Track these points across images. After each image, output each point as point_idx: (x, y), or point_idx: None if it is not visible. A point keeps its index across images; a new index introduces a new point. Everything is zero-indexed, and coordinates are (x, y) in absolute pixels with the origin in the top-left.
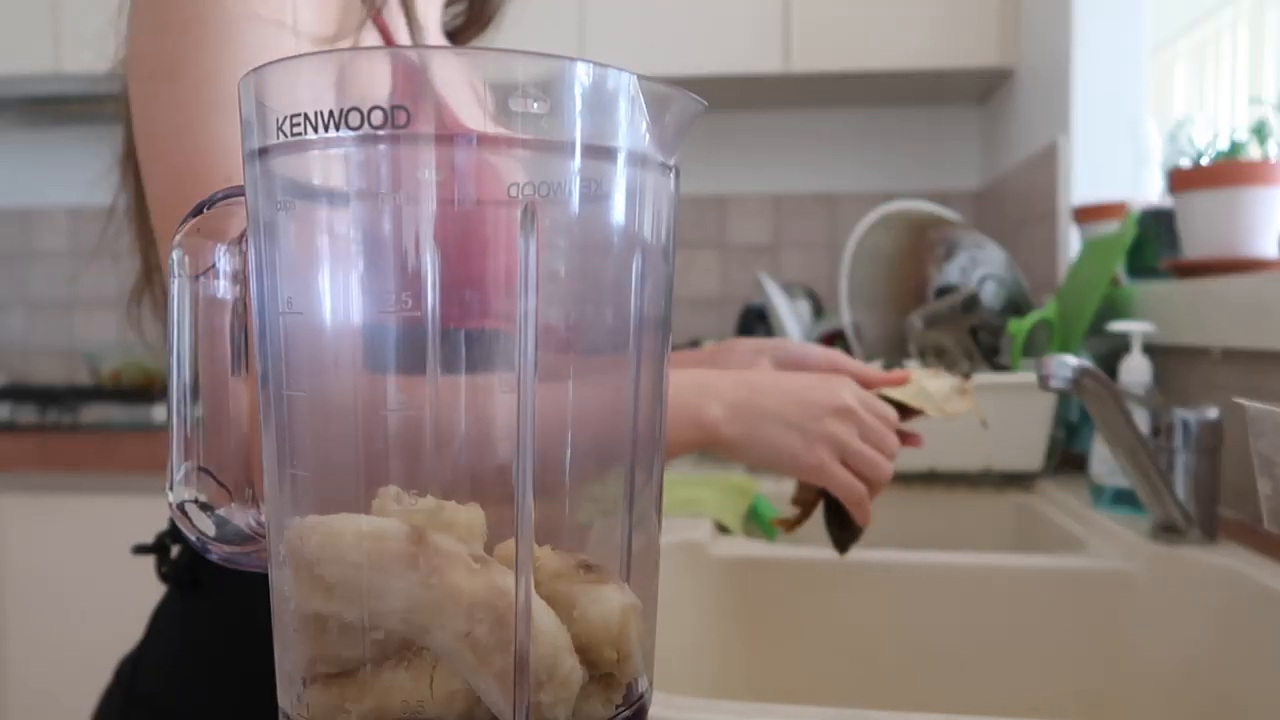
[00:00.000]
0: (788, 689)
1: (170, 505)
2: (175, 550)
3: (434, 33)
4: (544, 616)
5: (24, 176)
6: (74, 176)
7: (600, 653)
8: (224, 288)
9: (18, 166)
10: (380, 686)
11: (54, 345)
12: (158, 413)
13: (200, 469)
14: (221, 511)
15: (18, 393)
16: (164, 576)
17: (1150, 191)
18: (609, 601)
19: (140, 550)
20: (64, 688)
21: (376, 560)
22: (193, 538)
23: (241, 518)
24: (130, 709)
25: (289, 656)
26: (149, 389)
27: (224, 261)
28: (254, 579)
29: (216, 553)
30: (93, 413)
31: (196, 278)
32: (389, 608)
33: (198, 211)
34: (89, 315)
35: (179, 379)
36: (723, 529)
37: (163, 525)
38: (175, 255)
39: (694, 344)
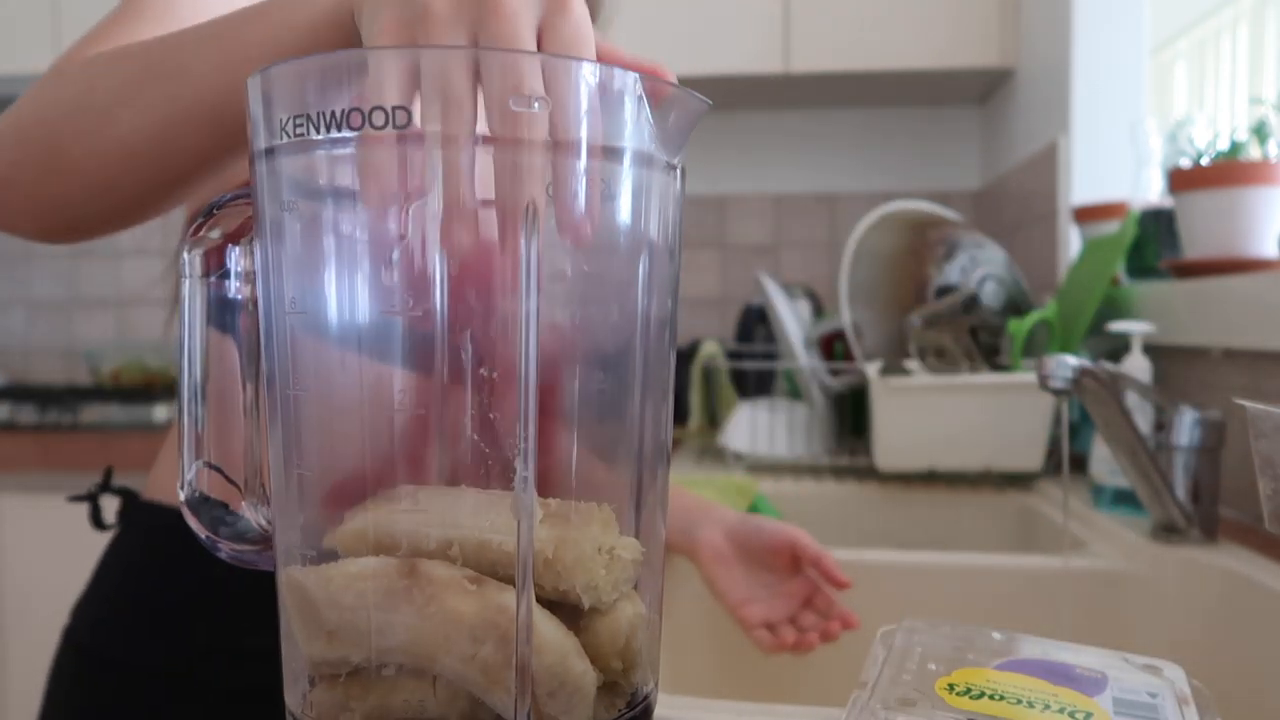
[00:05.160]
0: (788, 689)
1: (181, 503)
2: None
3: None
4: (546, 626)
5: None
6: None
7: (606, 664)
8: (235, 288)
9: None
10: (384, 685)
11: (54, 345)
12: (158, 413)
13: (211, 467)
14: (234, 509)
15: (18, 393)
16: (96, 524)
17: (1150, 191)
18: (615, 612)
19: (75, 499)
20: None
21: (372, 599)
22: (202, 536)
23: (253, 516)
24: (62, 657)
25: (296, 656)
26: (149, 389)
27: (235, 262)
28: (157, 515)
29: (226, 550)
30: (92, 412)
31: (208, 278)
32: (392, 644)
33: (209, 212)
34: (89, 315)
35: (190, 379)
36: None
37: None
38: (186, 256)
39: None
